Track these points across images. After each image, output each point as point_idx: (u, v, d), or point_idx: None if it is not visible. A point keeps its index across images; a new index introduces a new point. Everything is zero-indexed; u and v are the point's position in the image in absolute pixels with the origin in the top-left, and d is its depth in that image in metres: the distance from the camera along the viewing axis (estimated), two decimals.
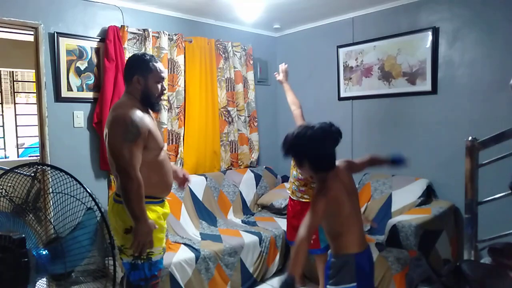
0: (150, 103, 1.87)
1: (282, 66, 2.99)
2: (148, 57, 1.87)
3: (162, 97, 1.95)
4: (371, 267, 1.79)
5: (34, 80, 3.15)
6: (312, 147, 1.65)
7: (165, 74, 1.94)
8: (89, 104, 3.07)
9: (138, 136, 1.72)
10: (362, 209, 3.23)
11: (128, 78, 1.87)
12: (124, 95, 1.89)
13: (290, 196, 2.85)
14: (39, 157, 2.97)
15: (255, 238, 2.97)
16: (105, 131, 1.80)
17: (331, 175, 1.66)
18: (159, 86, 1.88)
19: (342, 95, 3.78)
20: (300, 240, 1.52)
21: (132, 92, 1.85)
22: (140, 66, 1.84)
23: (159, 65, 1.88)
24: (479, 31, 2.90)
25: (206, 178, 3.54)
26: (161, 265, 1.90)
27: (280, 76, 3.00)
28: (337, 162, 1.77)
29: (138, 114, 1.76)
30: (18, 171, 2.19)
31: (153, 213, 1.83)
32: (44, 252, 1.91)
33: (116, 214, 1.81)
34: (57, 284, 2.16)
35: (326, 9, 3.52)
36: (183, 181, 2.17)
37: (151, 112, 1.93)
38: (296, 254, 1.52)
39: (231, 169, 3.92)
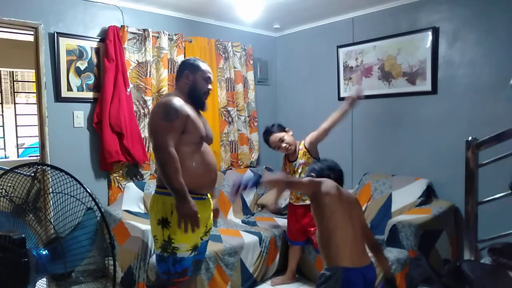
0: (197, 97, 1.99)
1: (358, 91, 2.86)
2: (197, 59, 2.07)
3: (207, 96, 2.04)
4: (368, 287, 1.69)
5: (34, 80, 3.15)
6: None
7: (211, 75, 2.06)
8: (89, 104, 3.07)
9: (176, 118, 1.81)
10: (362, 209, 3.22)
11: (178, 75, 2.02)
12: (173, 91, 2.06)
13: (291, 203, 2.88)
14: (39, 157, 2.97)
15: (255, 238, 2.97)
16: (149, 119, 1.96)
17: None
18: (206, 83, 2.01)
19: (342, 95, 3.78)
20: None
21: (181, 87, 2.00)
22: (191, 64, 2.02)
23: (208, 67, 2.05)
24: (479, 31, 2.90)
25: None
26: (187, 264, 1.89)
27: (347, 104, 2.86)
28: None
29: (180, 100, 1.88)
30: (18, 171, 2.19)
31: None
32: (44, 252, 1.90)
33: (153, 204, 1.89)
34: (57, 284, 2.16)
35: (326, 9, 3.52)
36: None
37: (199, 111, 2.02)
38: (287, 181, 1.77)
39: (231, 169, 3.92)
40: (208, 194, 2.06)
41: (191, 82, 1.99)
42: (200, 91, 2.00)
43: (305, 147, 2.77)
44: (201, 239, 1.99)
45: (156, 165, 1.81)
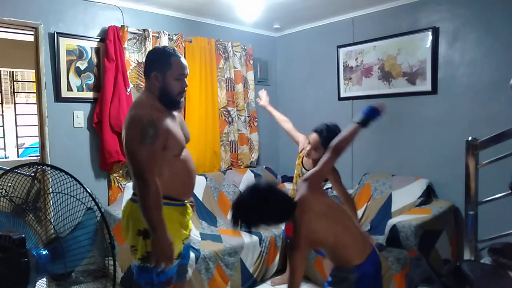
0: (169, 101, 1.74)
1: (262, 92, 3.11)
2: (168, 51, 1.73)
3: (183, 95, 1.79)
4: (378, 270, 1.73)
5: (34, 80, 3.15)
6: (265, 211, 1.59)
7: (186, 70, 1.77)
8: (89, 104, 3.07)
9: (156, 138, 1.61)
10: (362, 209, 3.23)
11: (146, 74, 1.75)
12: (143, 92, 1.80)
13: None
14: (39, 157, 2.97)
15: (255, 238, 2.97)
16: (122, 132, 1.68)
17: (297, 214, 1.61)
18: (180, 83, 1.74)
19: (342, 95, 3.78)
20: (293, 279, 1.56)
21: (151, 90, 1.73)
22: (159, 60, 1.72)
23: (180, 60, 1.73)
24: (479, 31, 2.90)
25: (206, 178, 3.54)
26: (171, 273, 1.76)
27: (262, 101, 3.09)
28: (301, 191, 1.73)
29: (156, 114, 1.66)
30: (18, 171, 2.19)
31: (166, 218, 1.68)
32: (44, 252, 1.91)
33: (130, 214, 1.73)
34: (57, 284, 2.16)
35: (326, 9, 3.52)
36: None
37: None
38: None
39: (231, 169, 3.92)
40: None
41: (161, 85, 1.71)
42: (173, 94, 1.73)
43: None
44: (183, 242, 1.88)
45: (136, 193, 1.62)
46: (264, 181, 1.72)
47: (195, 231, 3.13)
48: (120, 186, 3.19)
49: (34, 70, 2.92)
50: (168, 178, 1.71)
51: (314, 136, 2.52)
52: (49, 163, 2.72)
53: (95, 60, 3.08)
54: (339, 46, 3.76)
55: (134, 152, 1.60)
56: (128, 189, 3.13)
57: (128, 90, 3.12)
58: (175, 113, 1.82)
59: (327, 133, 2.45)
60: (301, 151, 2.77)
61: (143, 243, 1.68)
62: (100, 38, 3.08)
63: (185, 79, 1.77)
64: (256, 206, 1.57)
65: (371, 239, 1.79)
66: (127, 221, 1.75)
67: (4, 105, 6.24)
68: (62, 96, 2.93)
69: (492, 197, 2.18)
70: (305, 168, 2.70)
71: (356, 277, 1.61)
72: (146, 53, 3.24)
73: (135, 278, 1.78)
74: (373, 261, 1.70)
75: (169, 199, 1.73)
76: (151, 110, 1.66)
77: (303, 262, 1.59)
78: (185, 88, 1.78)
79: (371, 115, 1.77)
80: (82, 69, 3.02)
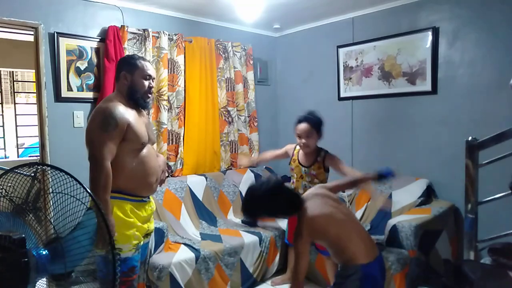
0: (136, 98, 1.91)
1: (242, 160, 3.19)
2: (135, 57, 1.97)
3: (149, 95, 1.97)
4: (383, 276, 1.76)
5: (34, 80, 3.15)
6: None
7: (151, 72, 1.97)
8: (89, 104, 3.07)
9: (115, 128, 1.76)
10: (362, 209, 3.23)
11: (116, 76, 1.96)
12: (113, 92, 1.99)
13: None
14: (39, 157, 2.97)
15: (255, 238, 2.97)
16: (87, 124, 1.87)
17: (301, 213, 1.73)
18: (146, 82, 1.93)
19: (342, 95, 3.78)
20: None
21: (120, 89, 1.93)
22: (127, 63, 1.94)
23: (146, 63, 1.95)
24: (479, 31, 2.90)
25: (206, 178, 3.54)
26: (133, 263, 1.88)
27: (244, 162, 3.25)
28: (310, 191, 1.89)
29: (120, 107, 1.82)
30: (18, 171, 2.18)
31: (119, 208, 1.82)
32: (44, 252, 1.90)
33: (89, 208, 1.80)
34: (57, 284, 2.16)
35: (326, 9, 3.53)
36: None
37: (142, 110, 1.99)
38: None
39: (231, 169, 3.92)
40: (150, 197, 2.02)
41: (129, 83, 1.91)
42: (140, 92, 1.92)
43: (323, 163, 2.63)
44: (142, 236, 1.97)
45: (90, 175, 1.76)
46: (275, 177, 1.82)
47: (195, 231, 3.14)
48: None
49: (34, 70, 2.92)
50: (123, 172, 1.81)
51: (303, 125, 2.60)
52: (49, 163, 2.71)
53: (95, 60, 3.08)
54: (339, 46, 3.76)
55: (92, 137, 1.76)
56: None
57: None
58: (143, 113, 1.99)
59: (310, 116, 2.64)
60: (291, 159, 2.81)
61: None
62: (100, 38, 3.08)
63: (151, 80, 1.96)
64: (267, 196, 1.70)
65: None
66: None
67: (4, 105, 6.23)
68: (62, 96, 2.93)
69: (492, 197, 2.17)
70: (305, 166, 2.69)
71: (360, 275, 1.63)
72: (152, 53, 3.26)
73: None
74: (379, 265, 1.71)
75: (121, 193, 1.82)
76: (115, 104, 1.82)
77: (306, 250, 1.70)
78: (152, 89, 1.97)
79: (388, 175, 1.97)
80: (82, 69, 3.02)
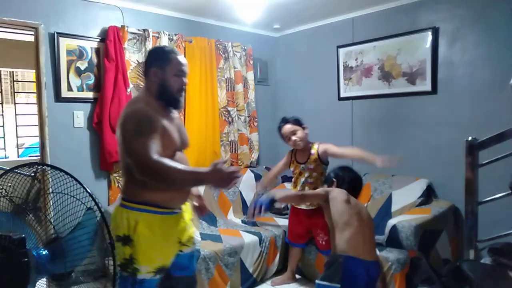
0: (168, 98, 1.69)
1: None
2: (167, 49, 1.74)
3: (182, 93, 1.74)
4: (372, 281, 1.76)
5: (34, 80, 3.15)
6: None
7: (185, 67, 1.73)
8: (89, 104, 3.08)
9: (152, 131, 1.55)
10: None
11: (146, 72, 1.72)
12: (141, 91, 1.76)
13: (294, 206, 2.87)
14: (39, 157, 2.97)
15: (255, 238, 2.97)
16: (117, 130, 1.63)
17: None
18: (179, 80, 1.70)
19: (342, 95, 3.78)
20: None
21: (149, 88, 1.70)
22: (158, 57, 1.70)
23: (179, 57, 1.71)
24: (479, 31, 2.90)
25: None
26: (148, 287, 1.64)
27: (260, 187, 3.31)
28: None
29: (152, 111, 1.61)
30: (18, 171, 2.19)
31: (145, 224, 1.60)
32: (44, 252, 1.91)
33: (113, 218, 1.67)
34: (57, 284, 2.16)
35: (326, 9, 3.53)
36: (200, 210, 1.98)
37: (173, 111, 1.76)
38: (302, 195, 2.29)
39: None
40: (183, 206, 1.79)
41: (160, 81, 1.67)
42: (172, 90, 1.68)
43: (318, 154, 2.71)
44: (181, 252, 1.76)
45: (152, 182, 1.54)
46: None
47: (195, 231, 3.13)
48: (120, 186, 3.19)
49: (34, 70, 2.92)
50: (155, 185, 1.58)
51: (285, 127, 2.77)
52: (49, 163, 2.72)
53: (95, 60, 3.08)
54: (339, 46, 3.76)
55: (131, 145, 1.53)
56: None
57: (128, 90, 3.12)
58: (174, 115, 1.77)
59: (288, 117, 2.82)
60: (291, 158, 2.88)
61: (122, 250, 1.62)
62: (100, 38, 3.08)
63: (184, 77, 1.72)
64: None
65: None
66: (112, 226, 1.70)
67: (4, 105, 6.23)
68: (62, 96, 2.93)
69: (492, 197, 2.18)
70: (301, 163, 2.77)
71: (343, 263, 1.68)
72: (147, 53, 3.26)
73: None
74: (367, 268, 1.72)
75: (150, 205, 1.61)
76: (146, 106, 1.62)
77: (318, 199, 2.24)
78: (184, 86, 1.74)
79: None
80: (82, 69, 3.03)
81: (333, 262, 1.77)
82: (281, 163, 2.96)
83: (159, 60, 1.69)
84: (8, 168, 2.18)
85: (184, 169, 1.50)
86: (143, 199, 1.61)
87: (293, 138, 2.73)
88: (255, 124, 4.16)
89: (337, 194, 1.98)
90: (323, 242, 2.68)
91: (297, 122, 2.79)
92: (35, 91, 2.98)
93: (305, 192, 2.49)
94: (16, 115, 6.24)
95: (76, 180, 2.01)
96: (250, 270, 2.90)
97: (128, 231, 1.59)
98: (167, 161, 1.48)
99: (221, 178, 1.45)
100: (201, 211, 2.00)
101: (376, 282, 1.84)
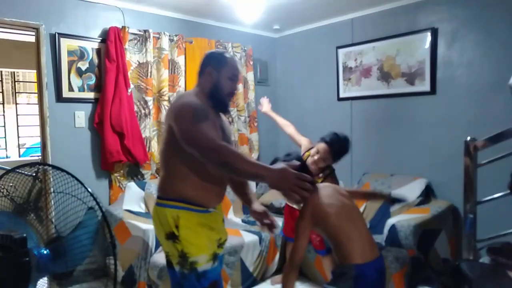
0: (218, 99, 1.71)
1: (264, 100, 3.09)
2: (226, 53, 1.77)
3: (232, 97, 1.78)
4: (380, 279, 1.76)
5: (36, 81, 3.17)
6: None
7: (240, 73, 1.79)
8: (90, 105, 3.09)
9: (208, 119, 1.56)
10: (361, 209, 3.23)
11: (201, 70, 1.75)
12: (193, 89, 1.78)
13: (288, 204, 2.85)
14: (40, 157, 2.99)
15: (255, 238, 2.98)
16: (167, 123, 1.63)
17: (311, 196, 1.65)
18: (231, 83, 1.73)
19: (342, 95, 3.79)
20: (288, 270, 1.67)
21: (202, 85, 1.72)
22: (216, 58, 1.73)
23: (236, 63, 1.76)
24: (478, 31, 2.91)
25: None
26: (213, 277, 1.63)
27: (264, 108, 3.09)
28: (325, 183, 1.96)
29: (201, 104, 1.63)
30: (20, 171, 2.20)
31: (184, 219, 1.60)
32: (45, 252, 1.92)
33: (156, 219, 1.66)
34: (58, 283, 2.17)
35: (325, 10, 3.54)
36: (269, 227, 1.90)
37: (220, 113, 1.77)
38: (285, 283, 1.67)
39: None
40: (218, 206, 1.78)
41: (214, 81, 1.70)
42: (223, 92, 1.71)
43: (324, 179, 2.50)
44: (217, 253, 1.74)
45: (219, 168, 1.51)
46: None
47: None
48: (121, 186, 3.20)
49: (35, 71, 2.93)
50: (189, 179, 1.62)
51: (324, 146, 2.43)
52: (50, 163, 2.73)
53: (96, 60, 3.09)
54: (338, 47, 3.77)
55: (192, 133, 1.51)
56: (129, 189, 3.14)
57: (129, 90, 3.13)
58: (221, 116, 1.79)
59: (337, 145, 2.43)
60: (303, 154, 2.76)
61: (173, 247, 1.60)
62: (101, 39, 3.10)
63: (236, 83, 1.76)
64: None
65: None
66: (157, 228, 1.69)
67: (5, 105, 6.25)
68: (64, 96, 2.95)
69: (491, 197, 2.19)
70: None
71: (354, 275, 1.63)
72: (152, 53, 3.28)
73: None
74: (375, 267, 1.71)
75: (187, 203, 1.62)
76: (197, 100, 1.63)
77: (306, 232, 1.67)
78: (235, 92, 1.78)
79: (401, 201, 2.09)
80: (83, 69, 3.04)
81: (342, 273, 1.67)
82: (297, 138, 2.79)
83: (216, 61, 1.72)
84: (10, 168, 2.20)
85: (249, 159, 1.47)
86: (179, 196, 1.62)
87: (316, 158, 2.45)
88: (255, 124, 4.17)
89: (313, 209, 1.67)
90: (317, 243, 2.69)
91: (336, 155, 2.45)
92: (36, 91, 2.99)
93: (292, 256, 1.79)
94: (17, 115, 6.26)
95: (77, 179, 2.02)
96: (250, 269, 2.92)
97: (170, 228, 1.60)
98: (231, 150, 1.48)
99: (285, 180, 1.40)
100: (270, 229, 1.93)
101: (385, 273, 1.82)
